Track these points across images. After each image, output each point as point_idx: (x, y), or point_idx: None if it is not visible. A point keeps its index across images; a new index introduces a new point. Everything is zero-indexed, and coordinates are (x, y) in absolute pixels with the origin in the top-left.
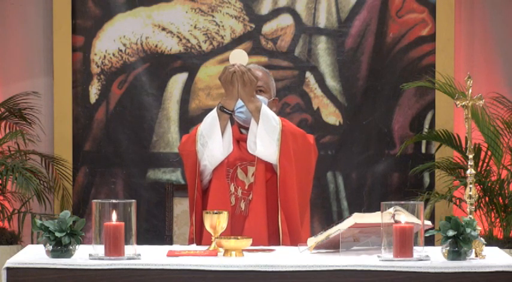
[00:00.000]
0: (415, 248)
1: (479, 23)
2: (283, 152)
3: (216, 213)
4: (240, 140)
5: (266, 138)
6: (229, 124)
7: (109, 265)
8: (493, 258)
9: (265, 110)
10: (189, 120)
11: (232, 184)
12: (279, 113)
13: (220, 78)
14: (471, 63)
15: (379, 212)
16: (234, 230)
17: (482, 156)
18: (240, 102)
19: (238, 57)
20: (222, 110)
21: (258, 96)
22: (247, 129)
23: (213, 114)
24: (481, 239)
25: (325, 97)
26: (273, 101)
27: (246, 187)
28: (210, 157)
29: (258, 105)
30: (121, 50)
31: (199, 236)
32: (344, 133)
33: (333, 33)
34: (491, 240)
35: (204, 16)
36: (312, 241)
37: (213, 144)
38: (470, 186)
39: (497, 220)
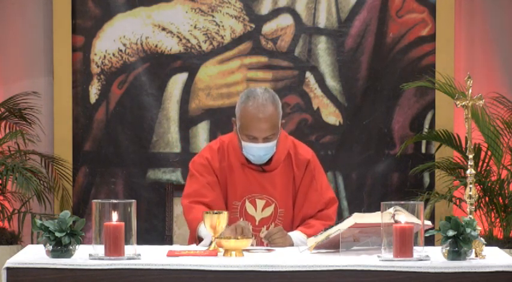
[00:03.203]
0: (415, 248)
1: (479, 23)
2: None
3: (216, 213)
4: (244, 165)
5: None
6: None
7: (109, 265)
8: (493, 258)
9: (297, 242)
10: (189, 120)
11: (242, 219)
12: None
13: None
14: (471, 63)
15: (379, 212)
16: None
17: (482, 156)
18: (251, 148)
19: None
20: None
21: (267, 144)
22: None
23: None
24: (481, 239)
25: (325, 97)
26: (280, 125)
27: (257, 223)
28: None
29: (290, 242)
30: (121, 50)
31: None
32: (344, 133)
33: (333, 33)
34: (491, 240)
35: (204, 16)
36: (312, 241)
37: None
38: (470, 186)
39: (497, 220)
